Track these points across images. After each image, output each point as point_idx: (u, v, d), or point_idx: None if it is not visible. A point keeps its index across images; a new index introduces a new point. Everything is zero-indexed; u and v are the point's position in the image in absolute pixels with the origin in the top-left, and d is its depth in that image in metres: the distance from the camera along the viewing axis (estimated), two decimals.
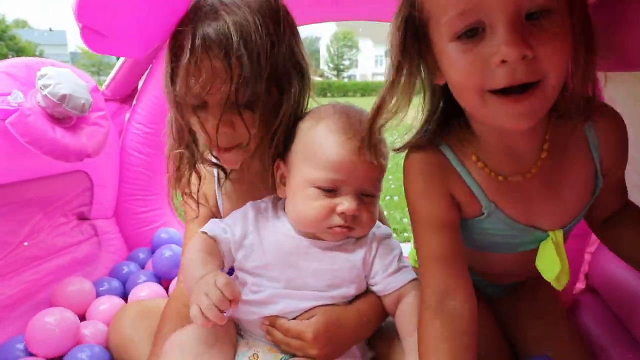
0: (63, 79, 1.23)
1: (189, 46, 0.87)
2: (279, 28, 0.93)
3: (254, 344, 0.96)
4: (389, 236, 1.01)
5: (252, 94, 0.89)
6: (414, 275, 0.97)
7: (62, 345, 1.16)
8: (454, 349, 0.79)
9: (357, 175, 0.91)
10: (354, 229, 0.94)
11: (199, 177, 1.07)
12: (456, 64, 0.72)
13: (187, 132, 0.99)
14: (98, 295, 1.48)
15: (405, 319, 0.93)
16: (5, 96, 1.18)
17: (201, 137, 0.98)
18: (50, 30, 59.81)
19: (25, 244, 1.38)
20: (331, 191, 0.92)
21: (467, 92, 0.73)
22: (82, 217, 1.66)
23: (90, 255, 1.64)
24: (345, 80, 42.71)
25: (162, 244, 1.69)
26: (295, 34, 0.99)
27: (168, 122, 1.01)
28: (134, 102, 1.74)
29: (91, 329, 1.23)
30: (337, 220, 0.92)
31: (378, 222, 1.01)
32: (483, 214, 0.89)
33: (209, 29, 0.87)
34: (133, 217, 1.82)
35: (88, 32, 0.81)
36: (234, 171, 1.08)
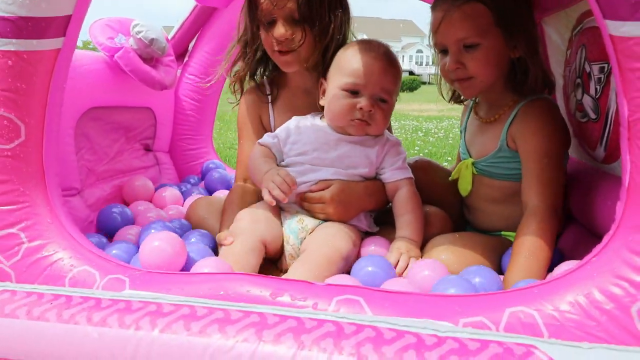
0: (151, 27, 1.68)
1: None
2: None
3: (299, 211, 1.34)
4: (399, 144, 1.39)
5: (310, 12, 1.29)
6: (411, 175, 1.35)
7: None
8: None
9: (373, 82, 1.26)
10: (370, 125, 1.29)
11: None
12: None
13: (252, 44, 1.39)
14: None
15: (399, 203, 1.31)
16: (112, 39, 1.62)
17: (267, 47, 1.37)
18: None
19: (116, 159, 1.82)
20: (354, 93, 1.27)
21: None
22: (147, 148, 2.10)
23: (154, 179, 2.07)
24: None
25: (210, 171, 2.13)
26: None
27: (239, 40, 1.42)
28: (186, 58, 2.18)
29: (175, 210, 1.66)
30: (357, 114, 1.26)
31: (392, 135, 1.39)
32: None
33: None
34: (183, 153, 2.26)
35: None
36: (284, 90, 1.47)
